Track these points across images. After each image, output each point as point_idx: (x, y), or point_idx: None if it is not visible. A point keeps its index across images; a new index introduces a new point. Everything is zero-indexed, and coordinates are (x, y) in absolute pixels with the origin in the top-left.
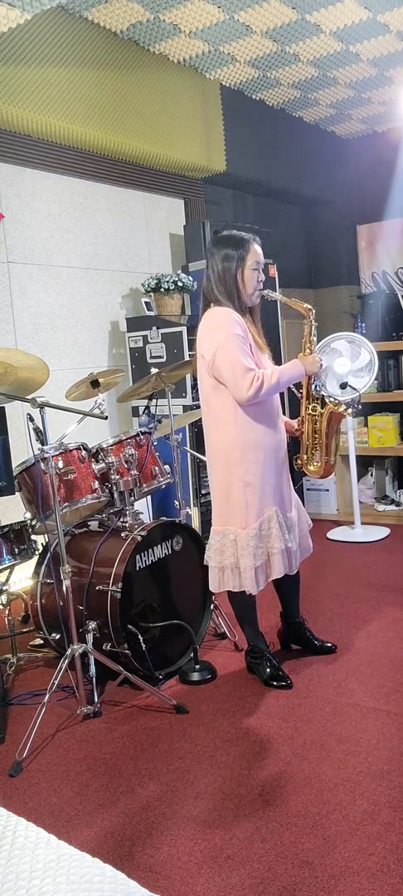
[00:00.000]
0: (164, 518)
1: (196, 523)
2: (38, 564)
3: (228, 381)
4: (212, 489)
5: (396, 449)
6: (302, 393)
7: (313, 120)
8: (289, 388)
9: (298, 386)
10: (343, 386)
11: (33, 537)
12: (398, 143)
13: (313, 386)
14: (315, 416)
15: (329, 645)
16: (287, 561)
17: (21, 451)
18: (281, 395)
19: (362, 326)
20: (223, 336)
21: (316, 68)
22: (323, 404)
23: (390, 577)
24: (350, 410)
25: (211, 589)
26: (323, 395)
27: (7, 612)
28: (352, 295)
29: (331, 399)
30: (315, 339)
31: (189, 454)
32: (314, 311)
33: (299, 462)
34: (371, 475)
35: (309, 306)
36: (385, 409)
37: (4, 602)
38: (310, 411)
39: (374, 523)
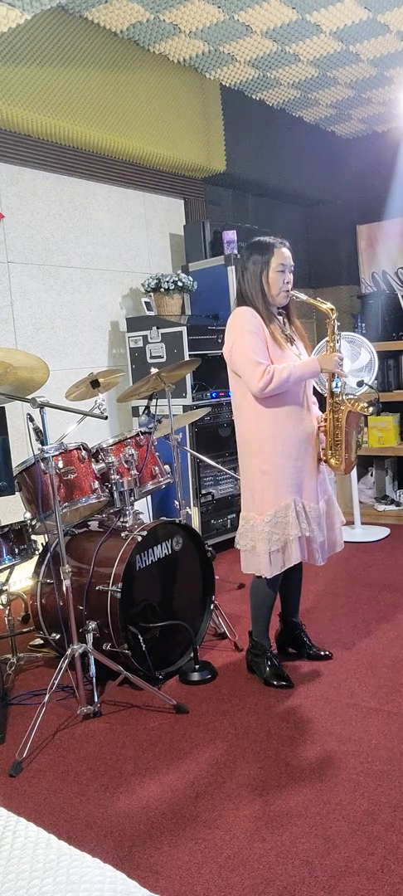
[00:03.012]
0: (164, 518)
1: (196, 523)
2: (38, 564)
3: (242, 373)
4: (240, 476)
5: (396, 449)
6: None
7: (313, 120)
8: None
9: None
10: (360, 384)
11: (33, 537)
12: (398, 143)
13: (334, 383)
14: (337, 413)
15: (323, 653)
16: (305, 549)
17: (21, 451)
18: (316, 389)
19: (362, 326)
20: (238, 332)
21: (316, 68)
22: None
23: (390, 577)
24: (370, 409)
25: (242, 570)
26: (342, 393)
27: (7, 612)
28: (352, 295)
29: (349, 398)
30: (337, 337)
31: (189, 454)
32: (336, 312)
33: (324, 457)
34: (371, 475)
35: (332, 306)
36: (385, 409)
37: (4, 602)
38: (332, 408)
39: (374, 523)
